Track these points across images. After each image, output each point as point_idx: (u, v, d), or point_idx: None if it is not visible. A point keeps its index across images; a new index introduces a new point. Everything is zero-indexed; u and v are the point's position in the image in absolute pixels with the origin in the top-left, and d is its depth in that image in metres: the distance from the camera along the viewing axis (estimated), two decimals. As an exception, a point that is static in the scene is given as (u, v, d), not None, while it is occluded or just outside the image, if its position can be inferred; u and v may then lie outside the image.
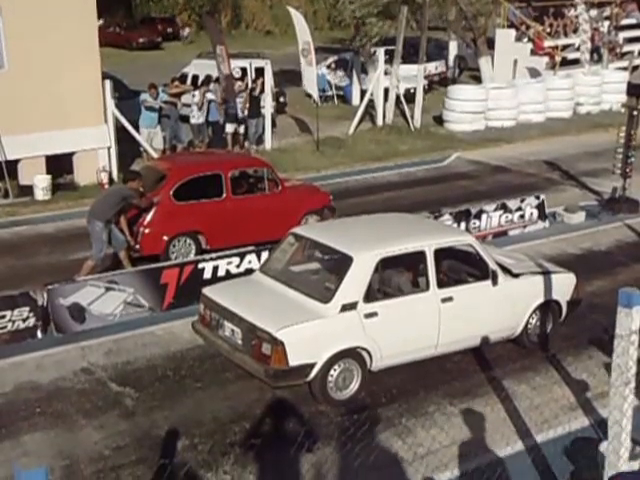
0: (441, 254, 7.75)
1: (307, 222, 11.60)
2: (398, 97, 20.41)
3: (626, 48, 27.65)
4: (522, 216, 12.60)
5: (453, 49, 27.55)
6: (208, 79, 17.97)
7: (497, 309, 7.94)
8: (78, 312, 8.95)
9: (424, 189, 15.25)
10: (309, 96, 19.47)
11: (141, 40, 39.12)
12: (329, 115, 21.01)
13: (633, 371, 4.83)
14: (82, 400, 7.46)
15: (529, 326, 8.34)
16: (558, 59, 24.92)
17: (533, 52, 25.55)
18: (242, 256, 10.07)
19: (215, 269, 9.81)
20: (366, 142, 18.95)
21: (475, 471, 6.26)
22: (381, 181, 16.00)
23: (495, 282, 7.92)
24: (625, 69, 24.65)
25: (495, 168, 16.87)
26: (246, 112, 17.43)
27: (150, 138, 15.88)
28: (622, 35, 28.09)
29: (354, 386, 7.31)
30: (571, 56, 25.72)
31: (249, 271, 9.90)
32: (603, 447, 5.47)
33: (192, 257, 10.02)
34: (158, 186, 10.93)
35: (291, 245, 8.30)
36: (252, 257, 10.08)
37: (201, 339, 8.04)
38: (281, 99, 21.78)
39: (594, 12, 27.97)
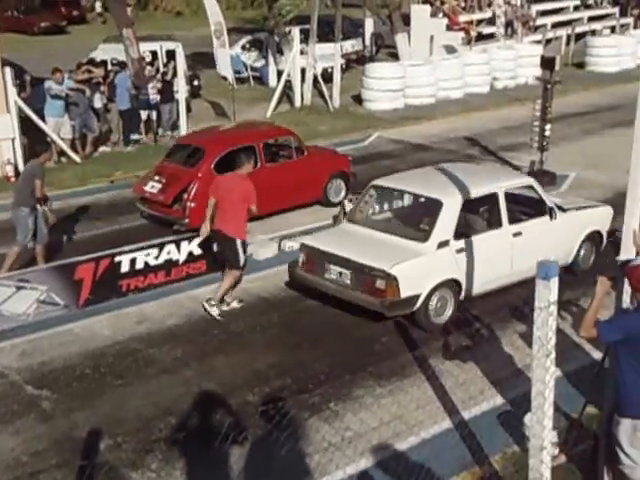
0: (509, 195, 8.93)
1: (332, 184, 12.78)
2: (315, 77, 20.23)
3: (539, 21, 28.20)
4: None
5: (369, 27, 27.50)
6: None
7: (555, 240, 9.02)
8: (-13, 314, 8.52)
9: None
10: (224, 79, 19.10)
11: (43, 24, 37.47)
12: (246, 97, 20.66)
13: (553, 342, 4.85)
14: (-5, 406, 7.09)
15: (580, 254, 9.59)
16: (473, 34, 25.20)
17: (449, 28, 25.76)
18: (161, 247, 9.78)
19: (133, 262, 9.49)
20: (285, 124, 18.67)
21: (407, 451, 6.25)
22: (302, 163, 15.79)
23: (552, 217, 9.17)
24: (539, 42, 25.13)
25: (416, 146, 16.90)
26: (158, 97, 16.93)
27: (58, 128, 15.24)
28: (535, 8, 28.64)
29: (448, 312, 8.48)
30: (486, 31, 26.07)
31: (169, 262, 9.71)
32: (527, 419, 5.50)
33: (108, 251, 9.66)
34: (196, 161, 11.46)
35: (372, 196, 9.44)
36: (171, 247, 9.81)
37: (304, 283, 9.05)
38: (195, 82, 21.28)
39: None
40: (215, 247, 9.40)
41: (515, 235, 8.85)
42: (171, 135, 17.20)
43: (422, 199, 9.11)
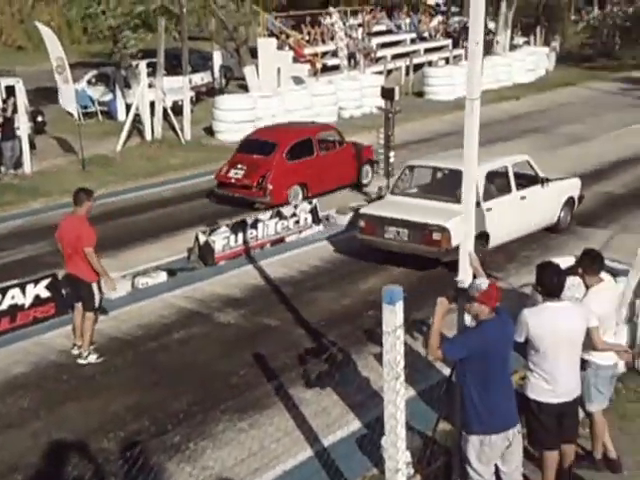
0: (514, 167, 11.47)
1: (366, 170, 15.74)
2: (165, 110, 20.02)
3: (380, 53, 29.40)
4: (297, 222, 12.83)
5: (218, 59, 27.60)
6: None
7: (546, 204, 11.75)
8: None
9: (200, 202, 15.04)
10: (70, 114, 18.48)
11: None
12: (95, 132, 20.10)
13: (402, 365, 5.01)
14: None
15: (561, 215, 12.20)
16: (319, 66, 25.92)
17: (295, 60, 26.33)
18: (4, 292, 9.24)
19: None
20: (136, 158, 18.38)
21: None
22: (155, 198, 15.54)
23: (543, 186, 11.70)
24: (381, 73, 26.19)
25: (268, 175, 17.05)
26: (-1, 135, 16.14)
27: None
28: (375, 41, 29.85)
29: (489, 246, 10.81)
30: (331, 62, 26.86)
31: (13, 307, 9.23)
32: (383, 441, 5.62)
33: None
34: (269, 151, 14.22)
35: (406, 174, 11.79)
36: (16, 291, 9.30)
37: (366, 243, 11.27)
38: (39, 118, 20.42)
39: (347, 20, 29.52)
40: (67, 290, 9.05)
41: (522, 198, 11.43)
42: (14, 173, 16.40)
43: (454, 172, 10.52)
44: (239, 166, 14.31)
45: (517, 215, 11.29)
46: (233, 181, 14.28)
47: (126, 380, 8.14)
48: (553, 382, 5.46)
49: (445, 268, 10.30)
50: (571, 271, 5.99)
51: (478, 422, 5.16)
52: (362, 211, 11.44)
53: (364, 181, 15.62)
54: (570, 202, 12.42)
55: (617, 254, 8.86)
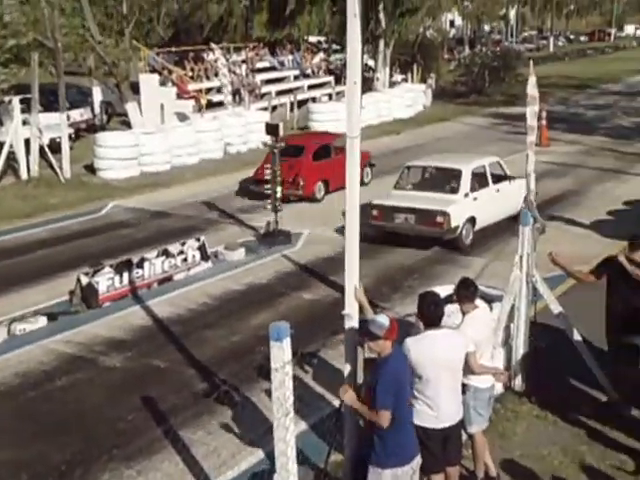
0: (490, 167, 14.20)
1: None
2: (42, 147, 19.36)
3: (265, 89, 29.71)
4: (185, 259, 12.63)
5: (98, 95, 27.06)
6: None
7: (513, 197, 12.80)
8: None
9: (82, 242, 14.55)
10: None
11: None
12: (-34, 171, 19.20)
13: (291, 401, 4.98)
14: None
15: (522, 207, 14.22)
16: (203, 102, 25.87)
17: (179, 96, 26.19)
18: None
19: None
20: (10, 198, 17.61)
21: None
22: (33, 239, 14.87)
23: (510, 182, 14.08)
24: (266, 109, 26.44)
25: (155, 213, 16.77)
26: None
27: None
28: (259, 77, 30.16)
29: (471, 236, 13.54)
30: (216, 99, 26.88)
31: None
32: (275, 478, 5.57)
33: None
34: (299, 154, 17.29)
35: (405, 173, 14.41)
36: None
37: (377, 228, 13.64)
38: None
39: (231, 56, 29.69)
40: None
41: (497, 191, 14.00)
42: None
43: (448, 169, 14.06)
44: None
45: (494, 204, 13.94)
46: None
47: (2, 433, 7.68)
48: (436, 408, 5.62)
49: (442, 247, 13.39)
50: (450, 299, 6.21)
51: (393, 456, 5.27)
52: (374, 202, 13.65)
53: (365, 180, 17.70)
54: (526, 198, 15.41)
55: (492, 281, 9.28)
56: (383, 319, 5.32)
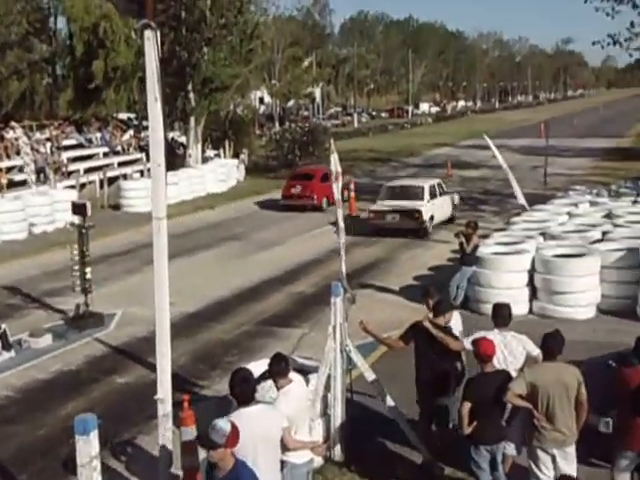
0: (437, 185, 22.36)
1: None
2: None
3: (72, 167, 28.79)
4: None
5: None
6: None
7: (449, 203, 22.35)
8: None
9: None
10: None
11: None
12: None
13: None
14: None
15: (454, 212, 22.49)
16: (4, 181, 24.60)
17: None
18: None
19: None
20: None
21: None
22: None
23: (447, 194, 22.62)
24: (74, 187, 25.58)
25: (-52, 302, 15.43)
26: None
27: None
28: (65, 155, 29.22)
29: (431, 229, 21.13)
30: (18, 178, 25.65)
31: None
32: None
33: None
34: (310, 178, 26.29)
35: (384, 191, 22.07)
36: None
37: (373, 225, 21.18)
38: None
39: (34, 134, 28.61)
40: None
41: (442, 200, 21.95)
42: None
43: (414, 186, 21.98)
44: (297, 186, 26.06)
45: (442, 208, 21.75)
46: (294, 194, 25.89)
47: None
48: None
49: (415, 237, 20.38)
50: (265, 375, 6.18)
51: None
52: (371, 209, 21.32)
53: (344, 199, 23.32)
54: (457, 204, 23.20)
55: (310, 351, 9.39)
56: (224, 424, 4.84)
